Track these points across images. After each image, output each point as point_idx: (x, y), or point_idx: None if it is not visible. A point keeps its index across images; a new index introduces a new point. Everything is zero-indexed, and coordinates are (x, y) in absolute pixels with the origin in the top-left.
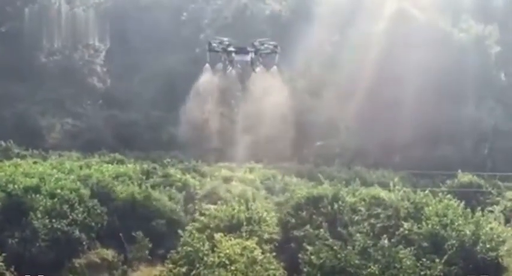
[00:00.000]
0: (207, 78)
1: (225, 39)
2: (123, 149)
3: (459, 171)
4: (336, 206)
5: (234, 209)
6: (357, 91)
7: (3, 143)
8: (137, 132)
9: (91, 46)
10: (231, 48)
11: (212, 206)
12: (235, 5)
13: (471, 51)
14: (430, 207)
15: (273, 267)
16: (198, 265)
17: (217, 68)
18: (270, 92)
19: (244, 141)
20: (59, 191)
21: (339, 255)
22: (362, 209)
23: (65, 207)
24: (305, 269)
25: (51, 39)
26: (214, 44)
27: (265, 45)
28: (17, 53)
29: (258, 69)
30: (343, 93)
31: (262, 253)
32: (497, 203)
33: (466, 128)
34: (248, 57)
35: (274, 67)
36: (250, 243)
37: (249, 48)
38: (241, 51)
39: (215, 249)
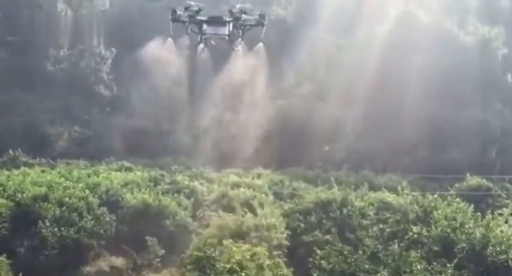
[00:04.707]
0: (167, 56)
1: (193, 3)
2: (130, 157)
3: (467, 174)
4: (344, 210)
5: (243, 216)
6: (363, 94)
7: (11, 152)
8: (144, 139)
9: (97, 54)
10: (202, 17)
11: (221, 213)
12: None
13: (478, 53)
14: (440, 211)
15: (282, 272)
16: (208, 271)
17: (181, 43)
18: (256, 80)
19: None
20: (67, 199)
21: (348, 260)
22: (371, 213)
23: (74, 215)
24: (315, 274)
25: (57, 47)
26: (179, 13)
27: (247, 15)
28: (24, 62)
29: (239, 47)
30: (349, 96)
31: (272, 259)
32: (506, 206)
33: (474, 130)
34: (225, 30)
35: (260, 44)
36: (260, 249)
37: (226, 18)
38: (215, 21)
39: (225, 255)
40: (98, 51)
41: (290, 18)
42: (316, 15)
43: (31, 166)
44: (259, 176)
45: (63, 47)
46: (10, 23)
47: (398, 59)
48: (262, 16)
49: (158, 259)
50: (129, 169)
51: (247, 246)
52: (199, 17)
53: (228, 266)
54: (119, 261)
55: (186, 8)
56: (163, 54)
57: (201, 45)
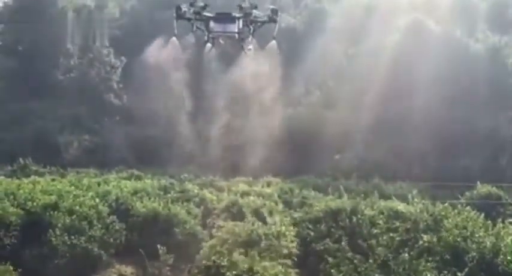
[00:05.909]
0: (171, 57)
1: None
2: (140, 165)
3: (478, 182)
4: (354, 219)
5: (252, 224)
6: (373, 102)
7: (21, 161)
8: (154, 148)
9: (107, 62)
10: (209, 14)
11: (230, 222)
12: None
13: (488, 62)
14: (450, 220)
15: None
16: None
17: (186, 41)
18: (269, 83)
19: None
20: (77, 208)
21: (359, 269)
22: (381, 222)
23: (84, 223)
24: None
25: (67, 56)
26: (184, 9)
27: (258, 11)
28: (34, 71)
29: (250, 46)
30: (359, 105)
31: (282, 268)
32: None
33: (484, 138)
34: (234, 27)
35: (273, 42)
36: (270, 257)
37: (235, 14)
38: (223, 18)
39: (234, 264)
40: (108, 60)
41: (300, 27)
42: (325, 24)
43: (41, 175)
44: (268, 185)
45: (73, 56)
46: (20, 32)
47: (407, 67)
48: (274, 12)
49: (168, 268)
50: (138, 177)
51: (255, 253)
52: (205, 13)
53: (238, 273)
54: (128, 270)
55: (192, 4)
56: (167, 56)
57: (208, 45)
